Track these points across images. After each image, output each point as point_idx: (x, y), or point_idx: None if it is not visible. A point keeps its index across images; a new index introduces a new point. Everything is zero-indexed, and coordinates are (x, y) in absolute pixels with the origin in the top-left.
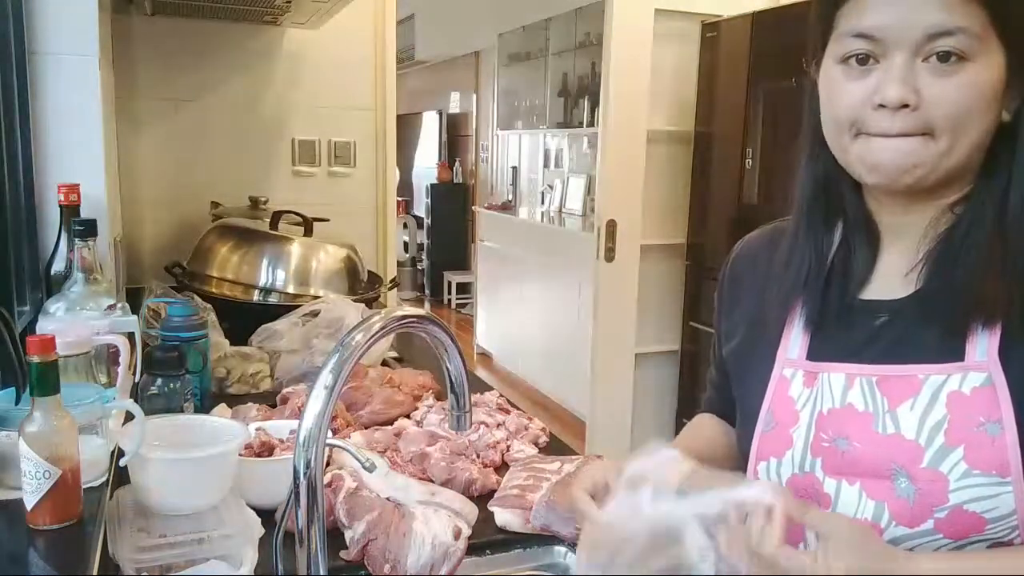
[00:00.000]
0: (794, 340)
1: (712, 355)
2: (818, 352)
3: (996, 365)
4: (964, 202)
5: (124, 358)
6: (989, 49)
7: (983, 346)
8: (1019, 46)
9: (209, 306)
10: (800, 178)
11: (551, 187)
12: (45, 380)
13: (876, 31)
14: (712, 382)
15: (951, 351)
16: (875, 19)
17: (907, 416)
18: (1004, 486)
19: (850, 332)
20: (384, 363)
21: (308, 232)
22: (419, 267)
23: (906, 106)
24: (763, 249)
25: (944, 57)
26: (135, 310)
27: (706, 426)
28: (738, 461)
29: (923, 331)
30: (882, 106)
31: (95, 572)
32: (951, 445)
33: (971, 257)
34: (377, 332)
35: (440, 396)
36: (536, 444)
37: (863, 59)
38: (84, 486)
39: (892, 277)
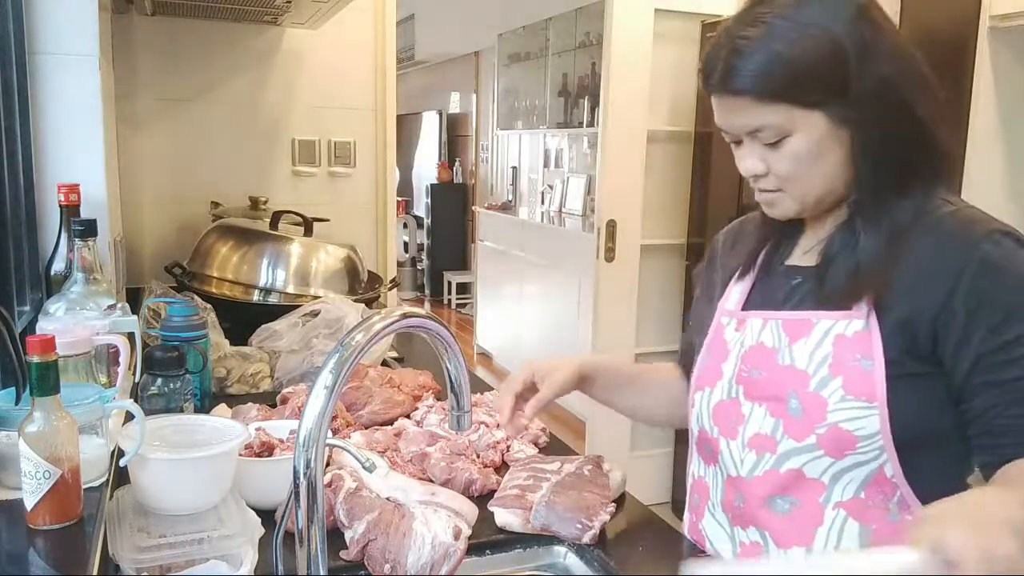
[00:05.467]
0: (733, 295)
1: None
2: (749, 304)
3: (872, 315)
4: (850, 206)
5: (124, 358)
6: (803, 121)
7: (863, 298)
8: (832, 107)
9: (209, 306)
10: None
11: (551, 187)
12: (45, 380)
13: (721, 127)
14: (684, 341)
15: (838, 304)
16: (717, 120)
17: (801, 350)
18: (871, 410)
19: (775, 290)
20: (384, 363)
21: (308, 232)
22: (419, 267)
23: (758, 175)
24: (731, 234)
25: (766, 140)
26: (135, 310)
27: (664, 368)
28: (680, 409)
29: (821, 291)
30: None
31: (95, 572)
32: (833, 375)
33: (847, 242)
34: (377, 332)
35: (440, 396)
36: (536, 444)
37: (732, 142)
38: (84, 486)
39: (806, 251)
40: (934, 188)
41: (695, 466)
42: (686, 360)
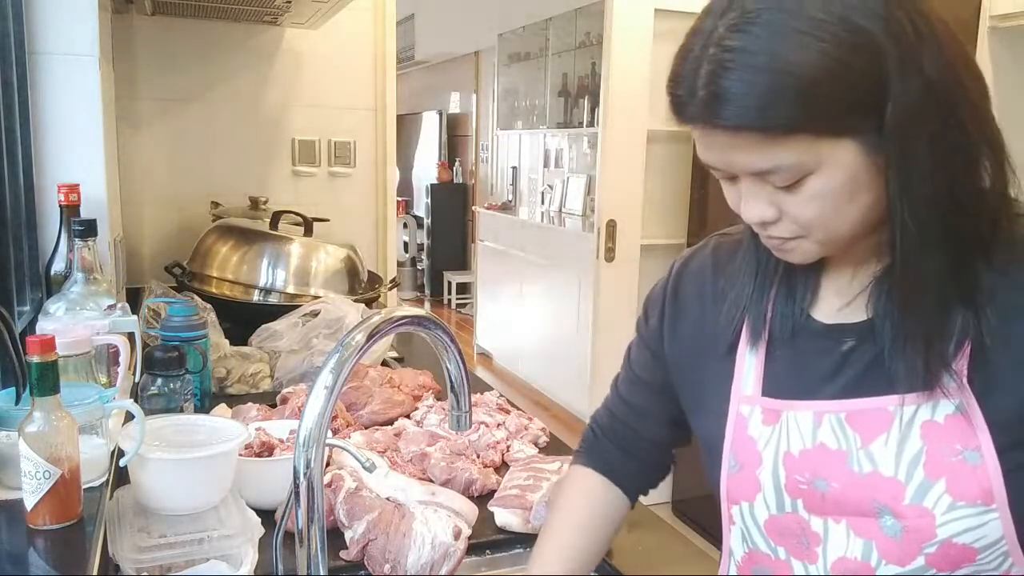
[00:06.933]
0: (747, 374)
1: (627, 364)
2: (777, 387)
3: (966, 391)
4: (891, 245)
5: (124, 358)
6: (829, 153)
7: (950, 372)
8: (867, 130)
9: (209, 306)
10: None
11: (551, 187)
12: (45, 380)
13: (711, 165)
14: (623, 403)
15: (918, 378)
16: (705, 157)
17: (882, 452)
18: (990, 514)
19: (811, 360)
20: (384, 363)
21: (308, 232)
22: (419, 267)
23: (767, 222)
24: (708, 271)
25: (780, 183)
26: (135, 310)
27: (589, 504)
28: (619, 524)
29: (888, 357)
30: None
31: (95, 572)
32: (932, 478)
33: (904, 299)
34: (377, 332)
35: (440, 396)
36: (536, 444)
37: (724, 177)
38: (84, 486)
39: (839, 303)
40: (1005, 206)
41: None
42: (603, 447)
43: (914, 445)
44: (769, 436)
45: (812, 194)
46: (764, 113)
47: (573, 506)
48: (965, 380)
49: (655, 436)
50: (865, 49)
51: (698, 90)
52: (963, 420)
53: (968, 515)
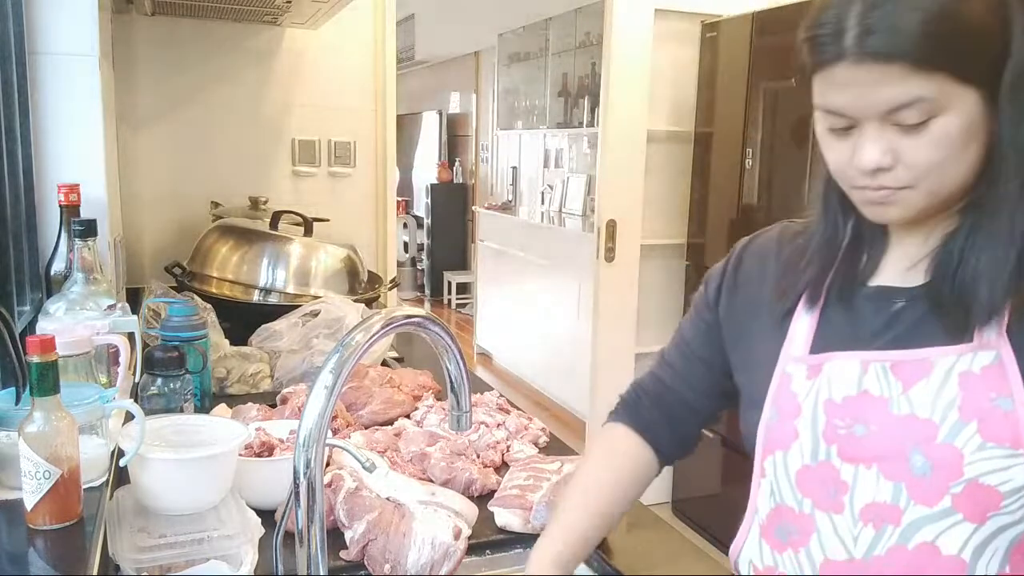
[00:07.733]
0: (799, 335)
1: (680, 340)
2: (826, 344)
3: (1004, 343)
4: (971, 207)
5: (124, 358)
6: (956, 98)
7: (992, 326)
8: (987, 80)
9: (209, 306)
10: (820, 168)
11: (551, 187)
12: (45, 380)
13: (839, 109)
14: (675, 373)
15: (961, 334)
16: (836, 100)
17: (920, 396)
18: (1017, 458)
19: (863, 319)
20: (384, 363)
21: (308, 232)
22: (419, 267)
23: (883, 169)
24: (772, 250)
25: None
26: (135, 310)
27: (619, 454)
28: (645, 487)
29: (935, 318)
30: None
31: (95, 572)
32: (965, 420)
33: (974, 256)
34: (377, 332)
35: (440, 396)
36: (536, 444)
37: (841, 128)
38: (84, 486)
39: (902, 267)
40: None
41: (755, 553)
42: (641, 409)
43: (951, 391)
44: (810, 388)
45: (933, 137)
46: (914, 43)
47: (611, 464)
48: (1004, 331)
49: (703, 408)
50: (1000, 9)
51: (849, 27)
52: (999, 370)
53: (996, 456)
